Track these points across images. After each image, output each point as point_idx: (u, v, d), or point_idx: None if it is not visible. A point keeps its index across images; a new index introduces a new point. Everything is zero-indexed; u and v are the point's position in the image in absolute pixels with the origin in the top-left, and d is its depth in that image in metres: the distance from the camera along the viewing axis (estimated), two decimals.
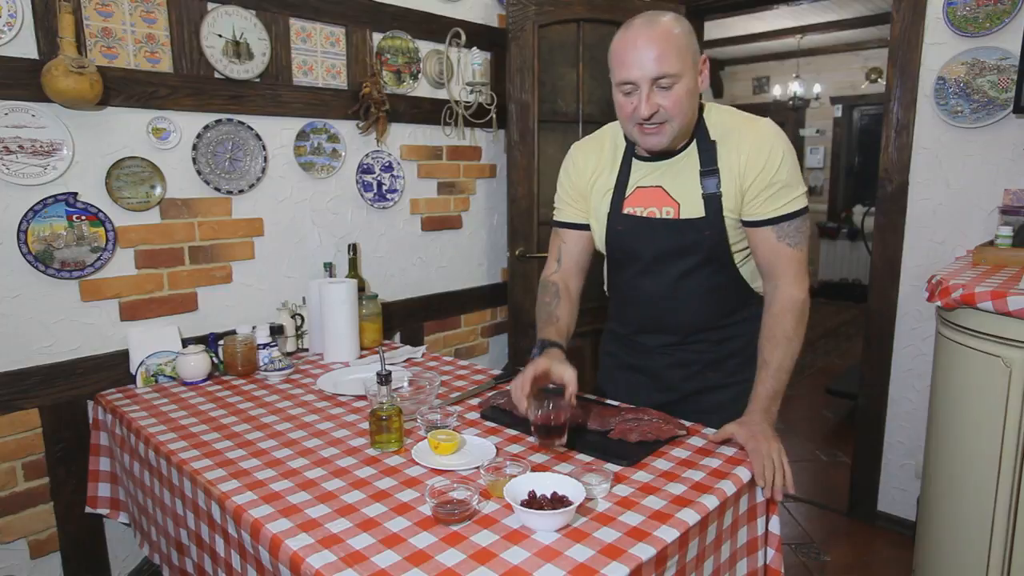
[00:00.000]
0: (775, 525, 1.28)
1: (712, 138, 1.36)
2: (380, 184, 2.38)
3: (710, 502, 1.10)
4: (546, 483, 1.07)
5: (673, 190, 1.38)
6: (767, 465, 1.19)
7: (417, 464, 1.25)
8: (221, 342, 1.86)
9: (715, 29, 5.93)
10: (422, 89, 2.48)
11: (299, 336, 2.11)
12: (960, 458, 1.76)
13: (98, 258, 1.74)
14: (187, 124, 1.88)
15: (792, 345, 1.32)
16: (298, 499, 1.13)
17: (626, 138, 1.42)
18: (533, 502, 1.04)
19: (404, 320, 2.52)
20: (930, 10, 2.24)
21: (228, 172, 1.97)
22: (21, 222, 1.61)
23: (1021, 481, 1.63)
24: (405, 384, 1.53)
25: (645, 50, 1.23)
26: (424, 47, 2.46)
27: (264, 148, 2.04)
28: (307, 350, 2.12)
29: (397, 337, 2.51)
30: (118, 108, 1.74)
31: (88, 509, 1.73)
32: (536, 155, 2.65)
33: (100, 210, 1.73)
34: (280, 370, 1.83)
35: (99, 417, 1.71)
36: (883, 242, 2.45)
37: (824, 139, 7.56)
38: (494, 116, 2.61)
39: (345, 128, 2.26)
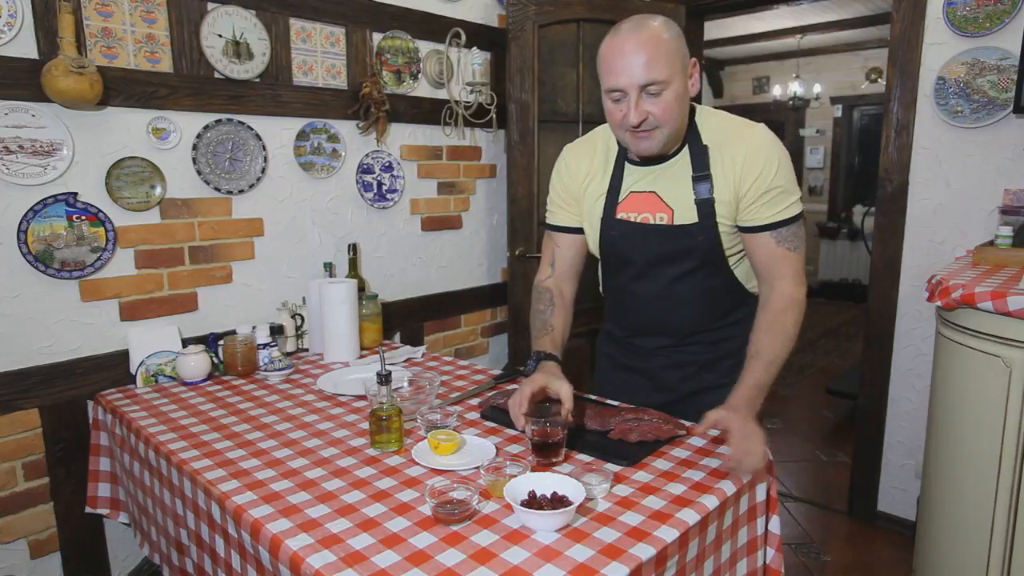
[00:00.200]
0: (775, 525, 1.29)
1: (704, 143, 1.35)
2: (380, 184, 2.38)
3: (710, 502, 1.10)
4: (546, 483, 1.07)
5: (666, 195, 1.37)
6: (747, 451, 1.14)
7: (417, 464, 1.25)
8: (221, 342, 1.86)
9: (715, 29, 5.93)
10: (422, 89, 2.48)
11: (299, 336, 2.11)
12: (960, 458, 1.76)
13: (98, 258, 1.74)
14: (187, 124, 1.88)
15: (788, 342, 1.30)
16: (298, 499, 1.13)
17: (618, 142, 1.42)
18: (533, 502, 1.04)
19: (404, 320, 2.52)
20: (930, 10, 2.24)
21: (228, 172, 1.97)
22: (21, 222, 1.61)
23: (1021, 481, 1.63)
24: (405, 384, 1.53)
25: (633, 56, 1.21)
26: (424, 47, 2.46)
27: (264, 148, 2.04)
28: (307, 350, 2.12)
29: (397, 337, 2.51)
30: (118, 108, 1.74)
31: (88, 509, 1.73)
32: (536, 155, 2.66)
33: (100, 210, 1.73)
34: (280, 370, 1.83)
35: (99, 417, 1.71)
36: (883, 242, 2.45)
37: (824, 139, 7.56)
38: (494, 116, 2.61)
39: (345, 128, 2.26)
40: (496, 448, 1.30)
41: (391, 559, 0.95)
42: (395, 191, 2.43)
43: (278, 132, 2.08)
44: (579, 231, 1.52)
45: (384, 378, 1.32)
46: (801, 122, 7.61)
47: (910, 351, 2.45)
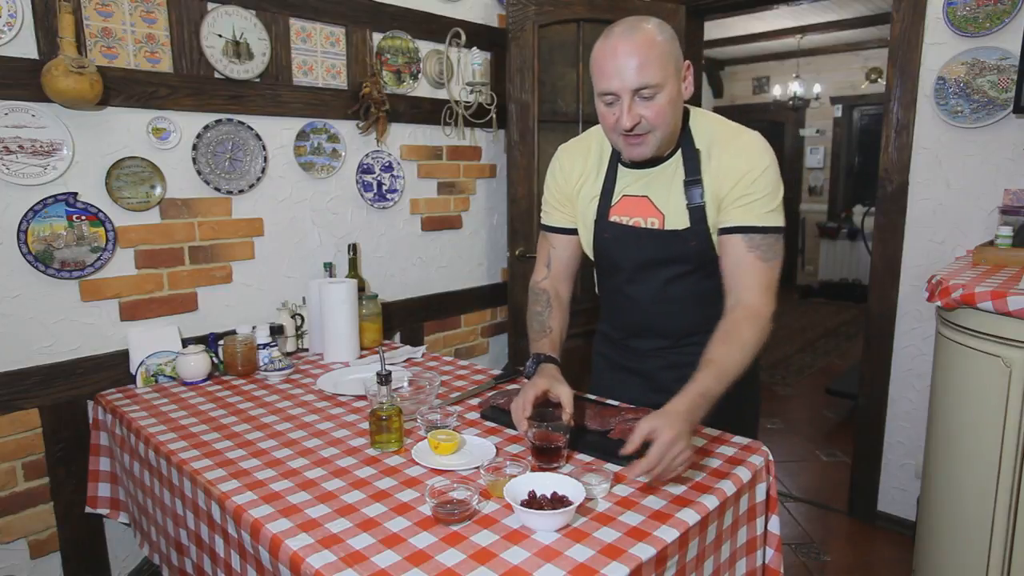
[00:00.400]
0: (775, 525, 1.29)
1: (697, 147, 1.33)
2: (380, 184, 2.38)
3: (710, 502, 1.10)
4: (546, 483, 1.07)
5: (658, 200, 1.36)
6: (662, 459, 1.03)
7: (417, 464, 1.25)
8: (221, 342, 1.86)
9: (715, 29, 5.93)
10: (422, 89, 2.48)
11: (299, 336, 2.11)
12: (960, 458, 1.76)
13: (98, 258, 1.74)
14: (187, 124, 1.88)
15: (744, 353, 1.20)
16: (298, 499, 1.13)
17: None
18: (533, 502, 1.04)
19: (404, 320, 2.52)
20: (930, 10, 2.24)
21: (228, 172, 1.97)
22: (21, 222, 1.61)
23: (1021, 481, 1.63)
24: (405, 384, 1.53)
25: (625, 59, 1.19)
26: (424, 47, 2.46)
27: (264, 148, 2.04)
28: (307, 350, 2.12)
29: (397, 337, 2.51)
30: (118, 108, 1.74)
31: (88, 509, 1.73)
32: (536, 155, 2.66)
33: (100, 210, 1.73)
34: (280, 370, 1.83)
35: (99, 417, 1.71)
36: (883, 242, 2.45)
37: (824, 139, 7.56)
38: (494, 116, 2.61)
39: (345, 128, 2.26)
40: (496, 448, 1.30)
41: (391, 559, 0.95)
42: (395, 191, 2.43)
43: (278, 132, 2.08)
44: (574, 232, 1.52)
45: (384, 378, 1.32)
46: (801, 122, 7.62)
47: (910, 351, 2.45)
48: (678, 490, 1.13)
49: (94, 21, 1.69)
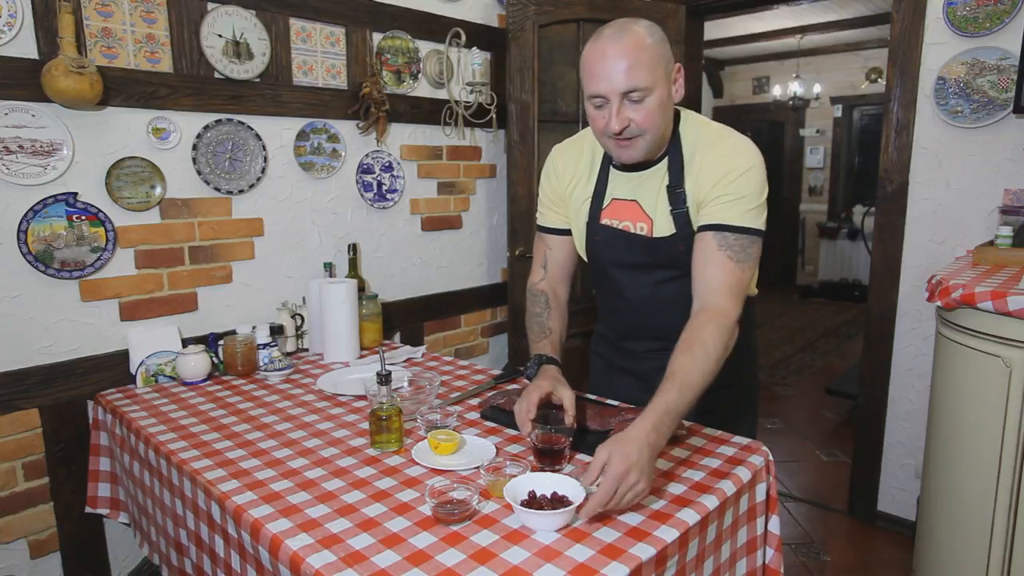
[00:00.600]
0: (775, 525, 1.29)
1: (684, 152, 1.32)
2: (380, 184, 2.38)
3: (710, 502, 1.10)
4: (546, 483, 1.07)
5: (647, 205, 1.36)
6: (613, 493, 0.98)
7: (417, 464, 1.25)
8: (221, 342, 1.86)
9: (715, 29, 5.93)
10: (422, 89, 2.48)
11: (299, 336, 2.11)
12: (960, 458, 1.76)
13: (98, 258, 1.74)
14: (187, 124, 1.88)
15: (708, 362, 1.13)
16: (298, 499, 1.13)
17: None
18: (533, 502, 1.04)
19: (404, 320, 2.52)
20: (930, 10, 2.24)
21: (228, 172, 1.97)
22: (21, 222, 1.61)
23: (1021, 481, 1.63)
24: (405, 384, 1.53)
25: (614, 62, 1.17)
26: (424, 47, 2.46)
27: (264, 148, 2.04)
28: (307, 350, 2.12)
29: (397, 337, 2.51)
30: (118, 108, 1.74)
31: (88, 509, 1.73)
32: (536, 155, 2.65)
33: (100, 210, 1.73)
34: (280, 370, 1.83)
35: (99, 417, 1.71)
36: (883, 242, 2.45)
37: (824, 139, 7.56)
38: (494, 116, 2.61)
39: (345, 128, 2.26)
40: (496, 448, 1.30)
41: (391, 559, 0.95)
42: (395, 191, 2.43)
43: (278, 132, 2.08)
44: (569, 232, 1.52)
45: (384, 378, 1.32)
46: (801, 122, 7.62)
47: (910, 351, 2.45)
48: (678, 490, 1.13)
49: (94, 21, 1.69)
